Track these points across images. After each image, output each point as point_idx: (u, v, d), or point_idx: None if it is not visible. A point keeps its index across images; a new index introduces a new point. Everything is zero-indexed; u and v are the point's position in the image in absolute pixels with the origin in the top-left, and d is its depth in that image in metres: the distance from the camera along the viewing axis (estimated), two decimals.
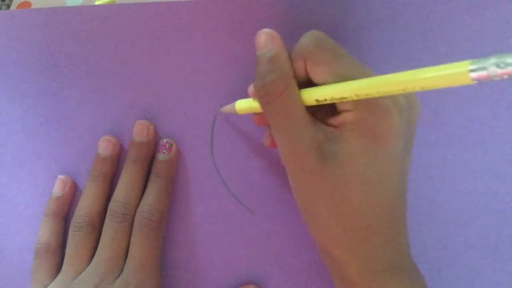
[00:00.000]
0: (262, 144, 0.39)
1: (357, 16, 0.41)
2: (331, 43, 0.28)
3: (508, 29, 0.40)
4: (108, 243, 0.35)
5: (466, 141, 0.39)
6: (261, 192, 0.39)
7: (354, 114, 0.27)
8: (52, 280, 0.35)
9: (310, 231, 0.31)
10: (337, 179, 0.27)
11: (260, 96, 0.29)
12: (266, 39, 0.29)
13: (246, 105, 0.34)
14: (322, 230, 0.29)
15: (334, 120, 0.28)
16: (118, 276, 0.34)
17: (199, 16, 0.42)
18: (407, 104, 0.27)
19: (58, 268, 0.36)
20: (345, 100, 0.26)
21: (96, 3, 0.45)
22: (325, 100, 0.27)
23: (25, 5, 0.46)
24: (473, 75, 0.17)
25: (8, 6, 0.47)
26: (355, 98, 0.25)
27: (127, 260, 0.34)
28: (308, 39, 0.29)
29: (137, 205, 0.36)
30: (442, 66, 0.19)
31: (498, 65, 0.16)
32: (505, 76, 0.16)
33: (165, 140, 0.39)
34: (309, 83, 0.29)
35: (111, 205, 0.36)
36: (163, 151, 0.38)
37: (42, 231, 0.37)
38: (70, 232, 0.36)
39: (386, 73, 0.23)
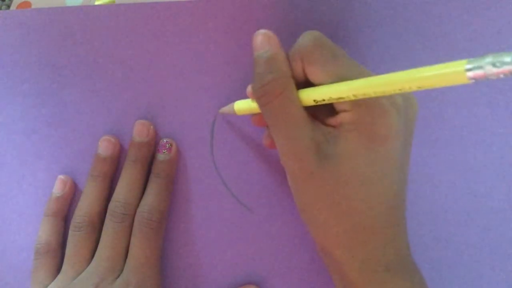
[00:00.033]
0: (262, 144, 0.39)
1: (357, 16, 0.41)
2: (329, 43, 0.28)
3: (508, 29, 0.40)
4: (108, 243, 0.35)
5: (466, 141, 0.39)
6: (261, 192, 0.39)
7: (352, 114, 0.27)
8: (52, 280, 0.35)
9: (310, 231, 0.31)
10: (336, 179, 0.27)
11: (258, 97, 0.29)
12: (263, 40, 0.29)
13: (245, 105, 0.34)
14: (322, 230, 0.29)
15: (333, 120, 0.28)
16: (118, 276, 0.34)
17: (199, 16, 0.42)
18: (405, 103, 0.27)
19: (58, 268, 0.36)
20: (343, 100, 0.26)
21: (96, 3, 0.45)
22: (323, 100, 0.27)
23: (25, 5, 0.46)
24: (470, 74, 0.18)
25: (8, 6, 0.47)
26: (353, 98, 0.25)
27: (127, 260, 0.34)
28: (305, 39, 0.29)
29: (137, 205, 0.36)
30: (438, 66, 0.19)
31: (494, 64, 0.16)
32: (502, 75, 0.16)
33: (165, 140, 0.39)
34: (307, 83, 0.29)
35: (111, 205, 0.36)
36: (163, 151, 0.38)
37: (42, 231, 0.37)
38: (70, 232, 0.36)
39: (386, 73, 0.23)
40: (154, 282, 0.34)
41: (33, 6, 0.46)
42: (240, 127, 0.40)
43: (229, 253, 0.38)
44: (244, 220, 0.38)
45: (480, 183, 0.38)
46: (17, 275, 0.38)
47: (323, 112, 0.29)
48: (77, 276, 0.34)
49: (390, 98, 0.26)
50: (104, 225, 0.36)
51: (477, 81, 0.17)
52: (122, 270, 0.34)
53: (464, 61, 0.18)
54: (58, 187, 0.38)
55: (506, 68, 0.16)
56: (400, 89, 0.22)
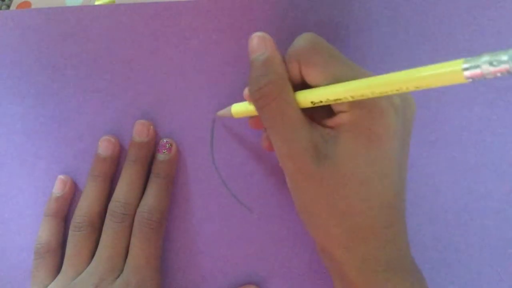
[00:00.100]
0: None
1: (357, 17, 0.41)
2: (325, 45, 0.28)
3: (508, 29, 0.40)
4: (108, 243, 0.35)
5: (466, 141, 0.38)
6: (261, 192, 0.39)
7: (350, 115, 0.27)
8: (52, 280, 0.35)
9: (309, 231, 0.31)
10: (335, 180, 0.27)
11: (255, 100, 0.29)
12: (259, 43, 0.29)
13: (242, 108, 0.34)
14: (322, 230, 0.29)
15: (331, 121, 0.28)
16: (118, 276, 0.34)
17: (199, 16, 0.42)
18: (403, 103, 0.27)
19: (58, 268, 0.36)
20: (340, 101, 0.26)
21: (96, 3, 0.45)
22: (321, 102, 0.27)
23: (25, 5, 0.46)
24: (467, 73, 0.18)
25: (8, 6, 0.47)
26: (350, 99, 0.25)
27: (127, 260, 0.34)
28: (302, 41, 0.29)
29: (137, 205, 0.36)
30: (435, 65, 0.19)
31: (491, 63, 0.16)
32: (499, 74, 0.16)
33: (165, 140, 0.39)
34: (304, 85, 0.29)
35: (111, 205, 0.36)
36: (163, 151, 0.38)
37: (42, 231, 0.37)
38: (70, 232, 0.36)
39: (386, 73, 0.23)
40: (154, 282, 0.34)
41: (33, 6, 0.46)
42: (239, 127, 0.40)
43: (229, 253, 0.38)
44: (244, 220, 0.38)
45: (480, 183, 0.38)
46: (17, 275, 0.38)
47: (321, 114, 0.29)
48: (77, 276, 0.34)
49: (388, 98, 0.26)
50: (104, 225, 0.36)
51: (475, 80, 0.17)
52: (122, 270, 0.34)
53: (461, 61, 0.18)
54: (58, 187, 0.39)
55: (503, 67, 0.16)
56: (397, 90, 0.22)
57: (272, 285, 0.37)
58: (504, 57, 0.16)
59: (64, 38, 0.42)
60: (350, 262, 0.28)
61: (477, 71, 0.17)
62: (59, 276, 0.35)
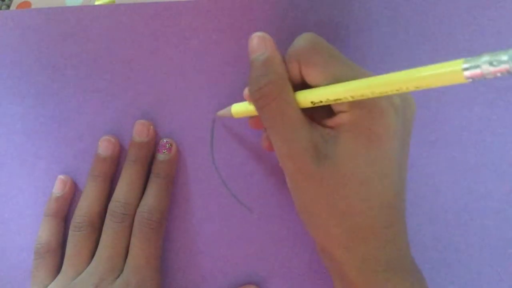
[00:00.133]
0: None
1: (357, 17, 0.41)
2: (325, 45, 0.28)
3: (508, 29, 0.40)
4: (108, 243, 0.35)
5: (466, 141, 0.38)
6: (261, 192, 0.39)
7: (350, 114, 0.27)
8: (52, 280, 0.35)
9: (309, 231, 0.31)
10: (336, 179, 0.27)
11: (255, 100, 0.29)
12: (259, 43, 0.29)
13: (242, 108, 0.34)
14: (322, 230, 0.29)
15: (331, 121, 0.28)
16: (118, 276, 0.34)
17: (199, 16, 0.42)
18: (403, 103, 0.27)
19: (58, 268, 0.36)
20: (340, 101, 0.26)
21: (96, 3, 0.45)
22: (321, 102, 0.27)
23: (25, 5, 0.46)
24: (467, 73, 0.18)
25: (8, 6, 0.47)
26: (350, 99, 0.25)
27: (127, 260, 0.34)
28: (302, 41, 0.29)
29: (137, 205, 0.36)
30: (435, 65, 0.19)
31: (491, 63, 0.16)
32: (499, 74, 0.16)
33: (165, 140, 0.39)
34: (304, 85, 0.29)
35: (111, 205, 0.36)
36: (163, 151, 0.38)
37: (42, 231, 0.37)
38: (70, 232, 0.36)
39: (386, 73, 0.23)
40: (154, 282, 0.34)
41: (33, 6, 0.46)
42: (240, 127, 0.40)
43: (229, 253, 0.38)
44: (244, 220, 0.38)
45: (480, 183, 0.38)
46: (17, 275, 0.38)
47: (320, 114, 0.29)
48: (77, 276, 0.34)
49: (388, 98, 0.26)
50: (104, 225, 0.36)
51: (475, 80, 0.17)
52: (122, 270, 0.34)
53: (460, 61, 0.18)
54: (58, 187, 0.39)
55: (503, 67, 0.16)
56: (397, 90, 0.22)
57: (272, 285, 0.37)
58: (504, 57, 0.16)
59: (64, 38, 0.42)
60: (350, 262, 0.28)
61: (477, 71, 0.17)
62: (59, 276, 0.35)
